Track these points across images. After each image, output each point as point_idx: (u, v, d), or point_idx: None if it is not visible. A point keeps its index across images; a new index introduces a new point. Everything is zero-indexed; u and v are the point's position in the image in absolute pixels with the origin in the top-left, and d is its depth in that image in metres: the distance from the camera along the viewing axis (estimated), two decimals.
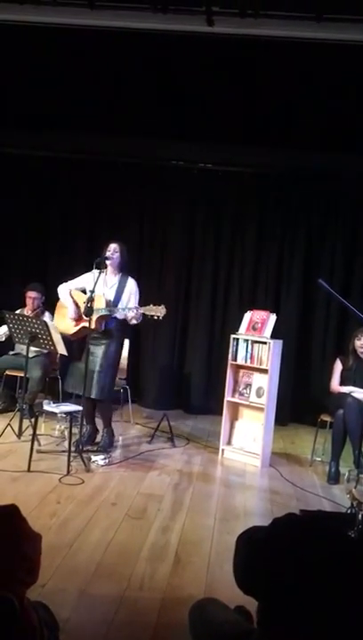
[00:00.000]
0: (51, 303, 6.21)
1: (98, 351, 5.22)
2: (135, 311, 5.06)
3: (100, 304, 5.10)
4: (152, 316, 5.05)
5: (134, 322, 5.16)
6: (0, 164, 7.04)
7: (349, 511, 3.75)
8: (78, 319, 5.29)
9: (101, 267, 5.21)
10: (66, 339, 5.35)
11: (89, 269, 5.30)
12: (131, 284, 5.33)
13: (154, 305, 5.07)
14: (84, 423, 5.34)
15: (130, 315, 5.09)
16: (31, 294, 6.21)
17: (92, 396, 5.17)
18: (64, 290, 5.43)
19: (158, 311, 5.01)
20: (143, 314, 5.08)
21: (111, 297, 5.24)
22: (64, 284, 5.45)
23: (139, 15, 5.17)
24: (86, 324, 5.07)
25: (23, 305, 6.27)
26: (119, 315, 5.21)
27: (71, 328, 5.33)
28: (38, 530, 1.96)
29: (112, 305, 5.19)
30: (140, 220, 7.36)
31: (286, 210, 7.16)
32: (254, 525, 1.89)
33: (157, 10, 5.06)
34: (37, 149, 6.93)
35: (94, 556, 3.38)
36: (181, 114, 5.91)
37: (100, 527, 3.76)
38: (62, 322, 5.43)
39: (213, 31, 5.15)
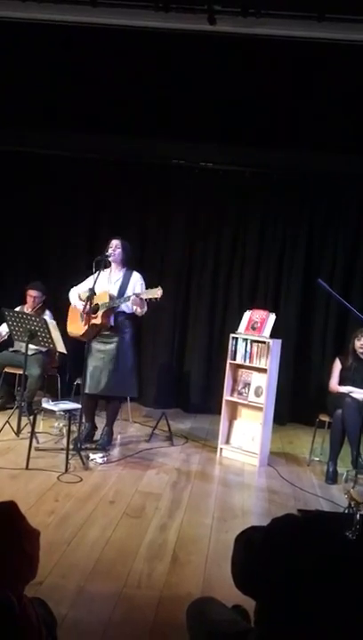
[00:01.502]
0: (52, 302, 6.24)
1: (108, 348, 5.23)
2: (133, 297, 5.06)
3: (103, 299, 5.12)
4: (150, 299, 5.04)
5: (138, 310, 5.15)
6: (0, 163, 7.03)
7: (346, 511, 3.74)
8: (87, 318, 5.26)
9: (101, 265, 5.22)
10: (77, 340, 5.36)
11: (90, 268, 5.30)
12: (135, 277, 5.35)
13: (150, 288, 5.09)
14: (83, 421, 5.34)
15: (131, 302, 5.09)
16: (32, 293, 6.21)
17: (108, 394, 5.20)
18: (73, 293, 5.45)
19: (155, 293, 4.99)
20: (146, 302, 5.08)
21: (115, 292, 5.25)
22: (74, 287, 5.48)
23: (140, 13, 5.17)
24: (95, 322, 5.10)
25: (23, 303, 6.27)
26: (126, 307, 5.21)
27: (81, 329, 5.32)
28: (36, 527, 1.96)
29: (115, 298, 5.20)
30: (141, 220, 7.36)
31: (287, 210, 7.17)
32: (253, 525, 1.89)
33: (159, 8, 5.06)
34: (38, 148, 6.92)
35: (92, 553, 3.39)
36: (182, 113, 5.90)
37: (99, 525, 3.77)
38: (74, 324, 5.45)
39: (214, 30, 5.15)
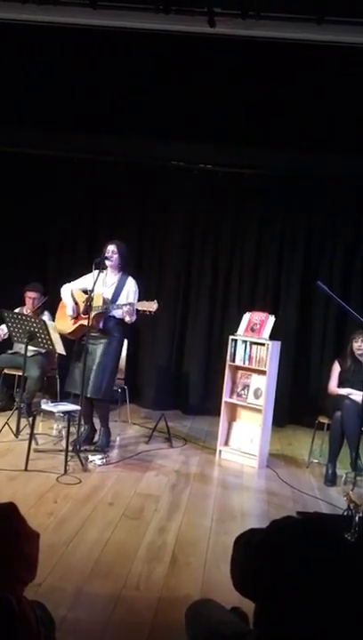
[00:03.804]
0: (51, 303, 6.23)
1: (96, 350, 5.23)
2: (128, 307, 5.06)
3: (97, 302, 5.13)
4: (144, 311, 5.04)
5: (128, 318, 5.15)
6: (0, 163, 7.03)
7: (345, 513, 3.75)
8: (77, 317, 5.31)
9: (101, 267, 5.23)
10: (65, 338, 5.37)
11: (89, 269, 5.31)
12: (130, 283, 5.34)
13: (146, 300, 5.08)
14: (82, 423, 5.34)
15: (123, 311, 5.10)
16: (31, 294, 6.20)
17: (88, 395, 5.18)
18: (66, 289, 5.45)
19: (150, 306, 4.99)
20: (137, 311, 5.09)
21: (109, 295, 5.25)
22: (67, 284, 5.48)
23: (141, 15, 5.19)
24: (84, 322, 5.10)
25: (22, 304, 6.26)
26: (117, 313, 5.22)
27: (69, 327, 5.34)
28: (35, 529, 1.96)
29: (110, 303, 5.20)
30: (140, 221, 7.36)
31: (286, 211, 7.16)
32: (252, 528, 1.89)
33: (159, 10, 5.08)
34: (38, 148, 6.92)
35: (91, 555, 3.39)
36: (181, 114, 5.92)
37: (97, 527, 3.76)
38: (61, 321, 5.44)
39: (214, 32, 5.16)
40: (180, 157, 7.01)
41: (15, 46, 5.64)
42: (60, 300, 5.53)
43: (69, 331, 5.34)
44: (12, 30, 5.47)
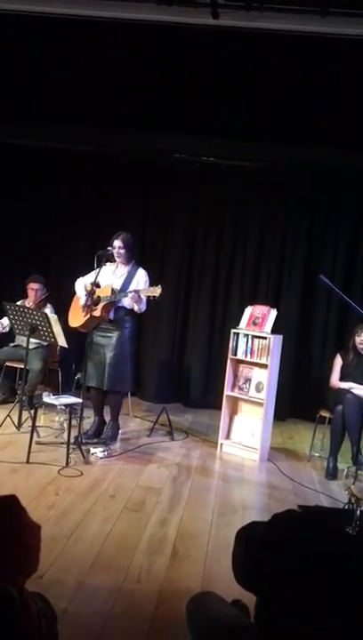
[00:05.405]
0: (53, 296, 6.24)
1: (107, 342, 5.25)
2: (133, 294, 5.07)
3: (106, 292, 5.15)
4: (148, 296, 5.05)
5: (136, 307, 5.17)
6: (1, 155, 7.00)
7: (346, 507, 3.75)
8: (88, 309, 5.28)
9: (103, 260, 5.22)
10: (77, 332, 5.39)
11: (91, 260, 5.32)
12: (140, 274, 5.36)
13: (150, 286, 5.11)
14: (84, 416, 5.34)
15: (130, 298, 5.10)
16: (33, 286, 6.20)
17: (104, 388, 5.21)
18: (79, 284, 5.47)
19: (154, 291, 4.99)
20: (146, 299, 5.11)
21: (118, 286, 5.27)
22: (80, 278, 5.50)
23: (143, 7, 5.15)
24: (94, 314, 5.13)
25: (25, 296, 6.26)
26: (125, 302, 5.22)
27: (81, 320, 5.34)
28: (36, 521, 1.96)
29: (118, 292, 5.21)
30: (141, 213, 7.34)
31: (289, 204, 7.15)
32: (254, 521, 1.89)
33: (162, 2, 5.04)
34: (39, 141, 6.89)
35: (92, 547, 3.40)
36: (183, 107, 5.88)
37: (99, 519, 3.77)
38: (73, 315, 5.47)
39: (217, 24, 5.13)
40: (182, 150, 6.98)
41: (14, 38, 5.60)
42: (69, 298, 5.55)
43: (80, 323, 5.35)
44: (13, 21, 5.43)
